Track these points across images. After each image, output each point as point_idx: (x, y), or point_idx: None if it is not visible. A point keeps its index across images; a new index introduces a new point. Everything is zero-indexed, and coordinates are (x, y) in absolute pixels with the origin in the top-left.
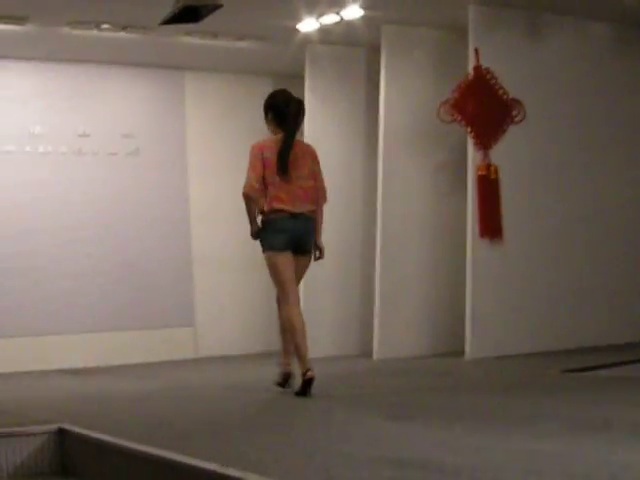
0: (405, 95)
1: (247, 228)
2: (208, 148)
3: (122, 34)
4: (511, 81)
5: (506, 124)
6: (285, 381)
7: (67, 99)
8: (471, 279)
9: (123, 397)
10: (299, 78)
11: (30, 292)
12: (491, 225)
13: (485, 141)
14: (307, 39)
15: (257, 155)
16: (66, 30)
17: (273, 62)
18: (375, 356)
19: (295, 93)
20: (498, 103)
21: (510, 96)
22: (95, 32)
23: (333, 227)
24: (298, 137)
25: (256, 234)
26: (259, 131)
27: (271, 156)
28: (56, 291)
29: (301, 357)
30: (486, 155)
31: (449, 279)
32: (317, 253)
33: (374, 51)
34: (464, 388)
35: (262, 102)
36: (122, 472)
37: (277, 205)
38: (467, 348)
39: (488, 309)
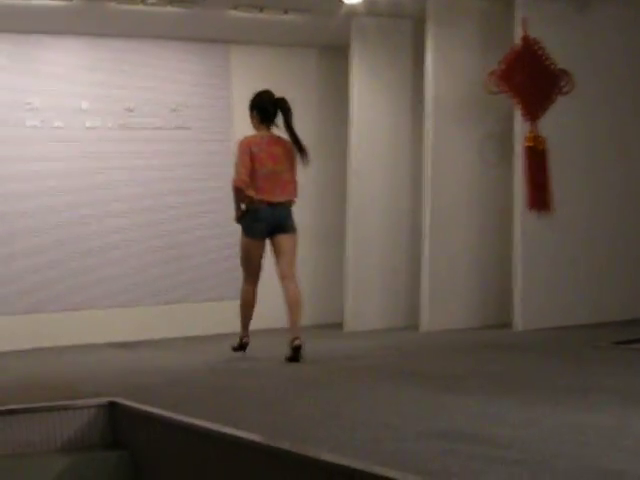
0: (451, 66)
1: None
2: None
3: (168, 8)
4: (559, 51)
5: (554, 95)
6: (241, 347)
7: (114, 74)
8: (520, 251)
9: (172, 370)
10: (345, 50)
11: (78, 265)
12: (539, 197)
13: (533, 112)
14: (353, 11)
15: (245, 150)
16: (113, 5)
17: (319, 35)
18: (423, 328)
19: (341, 65)
20: (546, 73)
21: (558, 66)
22: (141, 7)
23: (380, 199)
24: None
25: (239, 219)
26: (304, 104)
27: (258, 151)
28: (104, 264)
29: (246, 327)
30: (534, 126)
31: (497, 251)
32: None
33: (420, 22)
34: (513, 360)
35: (308, 75)
36: (172, 444)
37: (261, 195)
38: (516, 320)
39: (537, 281)
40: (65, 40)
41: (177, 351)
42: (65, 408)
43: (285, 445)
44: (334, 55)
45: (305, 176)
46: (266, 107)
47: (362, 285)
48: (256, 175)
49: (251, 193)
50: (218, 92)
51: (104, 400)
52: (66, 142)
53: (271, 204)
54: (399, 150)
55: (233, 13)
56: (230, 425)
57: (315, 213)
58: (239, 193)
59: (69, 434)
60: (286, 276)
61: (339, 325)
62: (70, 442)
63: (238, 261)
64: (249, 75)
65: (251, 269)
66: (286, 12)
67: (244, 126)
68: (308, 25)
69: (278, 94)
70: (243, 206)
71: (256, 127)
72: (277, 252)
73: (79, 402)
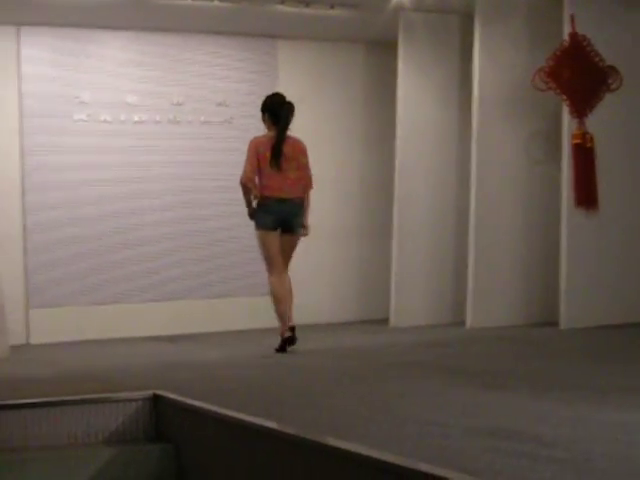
0: (499, 63)
1: (339, 198)
2: (301, 115)
3: (215, 3)
4: (607, 48)
5: (602, 92)
6: (284, 345)
7: (161, 68)
8: (566, 249)
9: (214, 364)
10: (392, 46)
11: (124, 259)
12: (586, 195)
13: (580, 109)
14: (400, 6)
15: (253, 150)
16: (160, 0)
17: (366, 30)
18: (468, 325)
19: (388, 61)
20: (594, 70)
21: (606, 63)
22: (189, 1)
23: (426, 196)
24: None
25: (251, 215)
26: (350, 99)
27: (264, 151)
28: (148, 258)
29: (283, 319)
30: (581, 123)
31: (543, 248)
32: (302, 230)
33: (468, 18)
34: (558, 358)
35: (355, 71)
36: (215, 438)
37: (266, 193)
38: (561, 318)
39: (583, 279)
40: (113, 34)
41: (222, 345)
42: (109, 400)
43: (329, 441)
44: (381, 51)
45: (352, 173)
46: (277, 110)
47: (408, 281)
48: (262, 173)
49: (254, 191)
50: (264, 87)
51: (148, 393)
52: (113, 136)
53: (279, 199)
54: (445, 147)
55: (280, 8)
56: (274, 420)
57: (362, 210)
58: (246, 190)
59: (113, 426)
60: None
61: (385, 321)
62: (113, 434)
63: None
64: (296, 70)
65: (272, 261)
66: (332, 7)
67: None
68: (355, 20)
69: (325, 89)
70: (254, 203)
71: (268, 128)
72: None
73: (123, 395)
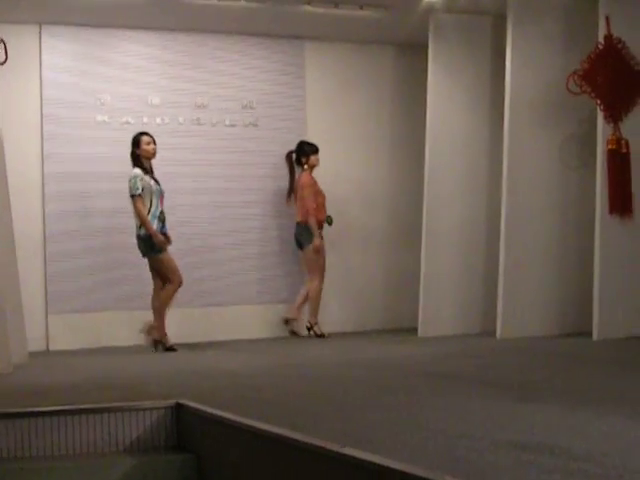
0: (532, 65)
1: (366, 203)
2: (328, 118)
3: (242, 3)
4: None
5: (637, 96)
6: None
7: (185, 69)
8: (599, 257)
9: (236, 372)
10: (422, 47)
11: (143, 266)
12: (621, 201)
13: (615, 114)
14: (431, 7)
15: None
16: (186, 0)
17: (396, 31)
18: (499, 335)
19: (418, 63)
20: (629, 74)
21: None
22: (215, 1)
23: (456, 202)
24: None
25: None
26: (379, 102)
27: None
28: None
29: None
30: (616, 128)
31: (575, 256)
32: None
33: (500, 19)
34: (592, 369)
35: (384, 73)
36: (238, 449)
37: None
38: (594, 328)
39: (617, 288)
40: (137, 35)
41: (249, 353)
42: (131, 409)
43: (355, 453)
44: (411, 53)
45: (380, 178)
46: None
47: (437, 290)
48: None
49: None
50: (291, 89)
51: (170, 402)
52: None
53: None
54: (476, 151)
55: (307, 8)
56: (299, 430)
57: (390, 215)
58: None
59: (134, 435)
60: None
61: (413, 330)
62: (134, 443)
63: (305, 265)
64: (323, 72)
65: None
66: (362, 8)
67: (317, 123)
68: (384, 21)
69: (353, 92)
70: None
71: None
72: None
73: (145, 403)
